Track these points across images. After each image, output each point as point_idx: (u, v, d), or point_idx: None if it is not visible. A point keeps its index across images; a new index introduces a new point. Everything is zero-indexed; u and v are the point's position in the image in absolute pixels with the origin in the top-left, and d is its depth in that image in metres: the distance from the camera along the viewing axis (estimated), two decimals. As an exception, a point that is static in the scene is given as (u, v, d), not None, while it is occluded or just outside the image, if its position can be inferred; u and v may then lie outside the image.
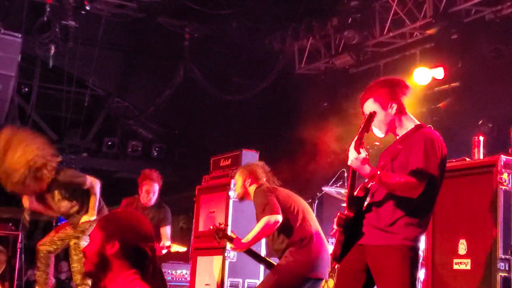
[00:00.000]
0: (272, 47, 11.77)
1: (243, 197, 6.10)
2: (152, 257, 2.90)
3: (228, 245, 5.86)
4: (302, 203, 5.78)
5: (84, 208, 6.94)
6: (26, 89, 13.22)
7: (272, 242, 5.73)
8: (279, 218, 5.51)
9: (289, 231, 5.58)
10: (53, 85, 13.67)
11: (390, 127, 4.12)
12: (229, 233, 6.03)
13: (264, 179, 5.95)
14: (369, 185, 3.99)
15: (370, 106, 4.11)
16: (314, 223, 5.75)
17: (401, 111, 4.11)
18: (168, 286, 11.18)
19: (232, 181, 7.80)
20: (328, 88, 11.25)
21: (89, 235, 2.94)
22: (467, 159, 5.33)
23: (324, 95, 11.35)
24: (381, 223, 3.93)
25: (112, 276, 2.86)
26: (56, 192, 6.87)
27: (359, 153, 3.81)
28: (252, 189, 5.93)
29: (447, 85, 9.38)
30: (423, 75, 9.23)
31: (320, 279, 5.65)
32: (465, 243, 4.95)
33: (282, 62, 11.92)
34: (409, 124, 4.12)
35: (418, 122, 4.16)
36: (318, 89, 11.45)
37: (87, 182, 6.88)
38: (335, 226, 4.14)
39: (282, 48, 11.67)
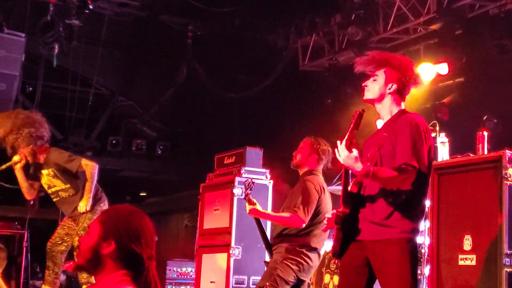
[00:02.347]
0: (276, 44, 11.76)
1: (298, 166, 5.87)
2: (147, 264, 2.79)
3: (248, 208, 5.79)
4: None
5: (79, 193, 6.81)
6: (30, 89, 13.23)
7: (278, 227, 5.73)
8: (303, 225, 5.49)
9: (300, 233, 5.57)
10: (57, 84, 13.69)
11: (377, 100, 4.15)
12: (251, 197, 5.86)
13: (321, 167, 5.83)
14: (362, 180, 4.00)
15: (378, 68, 4.19)
16: (323, 242, 5.74)
17: (398, 95, 4.13)
18: (174, 283, 11.21)
19: (237, 178, 7.81)
20: (332, 85, 11.22)
21: (88, 226, 2.87)
22: (472, 154, 5.31)
23: (328, 92, 11.33)
24: (377, 217, 3.94)
25: (102, 273, 2.78)
26: (50, 169, 6.80)
27: (350, 151, 3.81)
28: (308, 167, 5.79)
29: (451, 81, 9.35)
30: (427, 71, 9.20)
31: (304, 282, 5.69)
32: (470, 238, 4.94)
33: (285, 59, 11.91)
34: (394, 109, 4.13)
35: (403, 108, 4.17)
36: (321, 86, 11.43)
37: (80, 167, 6.74)
38: (325, 221, 4.17)
39: (285, 45, 11.65)
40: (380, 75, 4.16)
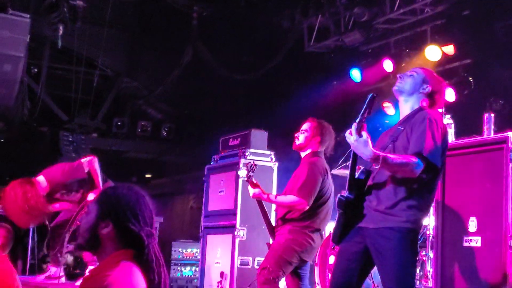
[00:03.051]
0: (281, 25, 11.68)
1: (301, 148, 5.80)
2: (148, 244, 2.79)
3: (250, 191, 5.75)
4: (332, 197, 5.69)
5: (90, 188, 6.90)
6: (36, 70, 13.23)
7: (281, 210, 5.72)
8: (306, 207, 5.46)
9: (303, 216, 5.55)
10: (62, 65, 13.68)
11: (408, 89, 4.12)
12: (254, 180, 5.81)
13: (323, 149, 5.78)
14: (371, 168, 3.96)
15: (416, 70, 4.18)
16: (326, 223, 5.73)
17: (427, 100, 4.11)
18: (179, 264, 11.25)
19: (242, 160, 7.80)
20: (337, 66, 11.17)
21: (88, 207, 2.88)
22: (477, 136, 5.29)
23: (334, 74, 11.28)
24: (382, 205, 3.91)
25: (103, 253, 2.79)
26: (61, 191, 6.88)
27: (360, 135, 3.77)
28: (310, 149, 5.73)
29: (458, 62, 9.29)
30: (434, 52, 9.16)
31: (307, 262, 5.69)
32: (475, 220, 4.92)
33: (291, 40, 11.84)
34: (415, 105, 4.12)
35: (424, 105, 4.14)
36: (327, 68, 11.38)
37: (84, 168, 6.83)
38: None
39: (291, 26, 11.58)
40: (419, 73, 4.15)
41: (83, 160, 6.94)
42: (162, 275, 2.82)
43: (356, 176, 4.00)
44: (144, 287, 2.74)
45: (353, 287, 4.02)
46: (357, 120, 3.80)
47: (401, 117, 4.14)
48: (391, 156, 3.84)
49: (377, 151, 3.78)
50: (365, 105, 3.84)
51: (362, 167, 4.02)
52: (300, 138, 5.75)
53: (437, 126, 3.90)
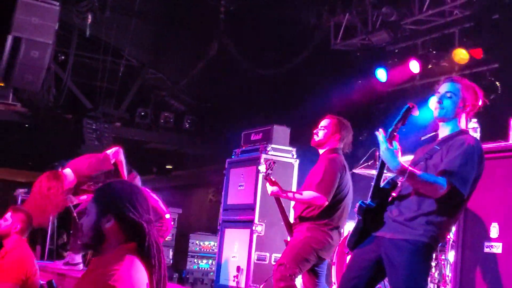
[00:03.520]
0: (308, 22, 11.65)
1: (320, 145, 5.75)
2: (149, 231, 2.88)
3: (268, 188, 5.70)
4: (350, 195, 5.65)
5: (116, 177, 6.95)
6: (63, 57, 13.32)
7: (300, 207, 5.67)
8: (326, 203, 5.39)
9: (322, 213, 5.51)
10: (89, 54, 13.76)
11: (448, 117, 4.02)
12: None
13: (341, 146, 5.73)
14: (397, 179, 3.93)
15: (455, 89, 4.02)
16: (345, 221, 5.69)
17: (465, 115, 4.04)
18: (196, 256, 11.28)
19: (263, 155, 7.80)
20: (363, 66, 11.12)
21: (86, 208, 2.98)
22: (503, 142, 5.23)
23: (359, 72, 11.23)
24: (402, 216, 3.88)
25: (107, 247, 2.87)
26: (88, 183, 6.95)
27: (391, 145, 3.73)
28: (329, 146, 5.68)
29: (485, 66, 9.21)
30: (462, 55, 9.08)
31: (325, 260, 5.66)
32: (497, 226, 4.87)
33: (317, 37, 11.80)
34: (455, 127, 4.03)
35: (464, 128, 4.07)
36: (352, 66, 11.33)
37: (110, 159, 6.86)
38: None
39: (318, 23, 11.54)
40: (457, 94, 4.01)
41: (108, 151, 6.96)
42: (162, 261, 2.92)
43: (381, 185, 3.97)
44: (146, 279, 2.82)
45: None
46: (390, 130, 3.76)
47: (440, 137, 4.06)
48: (418, 172, 3.80)
49: (404, 165, 3.74)
50: (400, 116, 3.79)
51: (388, 177, 3.99)
52: (320, 134, 5.71)
53: (473, 154, 3.84)
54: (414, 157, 4.11)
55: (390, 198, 4.00)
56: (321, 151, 5.74)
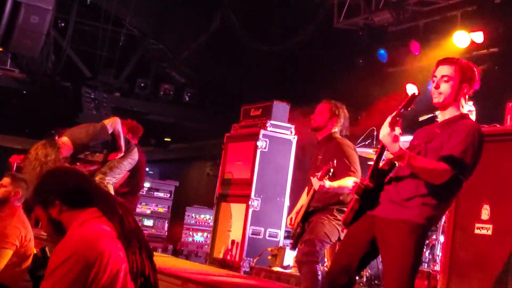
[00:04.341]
0: (312, -1, 11.62)
1: (319, 129, 5.75)
2: (98, 194, 3.02)
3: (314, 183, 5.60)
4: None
5: (113, 149, 6.98)
6: (63, 24, 13.27)
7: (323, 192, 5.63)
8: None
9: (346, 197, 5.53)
10: (90, 21, 13.70)
11: (448, 102, 3.98)
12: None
13: (340, 129, 5.76)
14: (396, 162, 3.96)
15: (450, 72, 3.97)
16: None
17: (465, 97, 4.02)
18: (191, 229, 11.37)
19: (262, 131, 7.84)
20: (364, 45, 11.11)
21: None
22: (498, 125, 5.27)
23: (360, 52, 11.23)
24: (398, 197, 3.89)
25: (70, 226, 2.97)
26: (85, 153, 6.95)
27: (392, 130, 3.76)
28: (328, 130, 5.70)
29: (486, 50, 9.21)
30: (463, 38, 9.09)
31: None
32: (488, 208, 4.93)
33: (320, 15, 11.77)
34: (456, 111, 4.00)
35: (465, 112, 4.05)
36: (354, 45, 11.33)
37: (108, 129, 6.86)
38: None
39: (321, 0, 11.51)
40: (454, 78, 3.96)
41: (106, 121, 6.96)
42: (130, 225, 2.99)
43: (380, 166, 4.01)
44: (108, 237, 2.88)
45: (352, 271, 4.02)
46: (393, 115, 3.78)
47: (440, 120, 4.05)
48: (418, 158, 3.82)
49: (404, 149, 3.78)
50: (405, 102, 3.80)
51: (387, 158, 4.03)
52: (318, 119, 5.77)
53: (475, 141, 3.83)
54: (413, 139, 4.12)
55: (387, 178, 4.04)
56: (320, 135, 5.78)
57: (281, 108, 8.25)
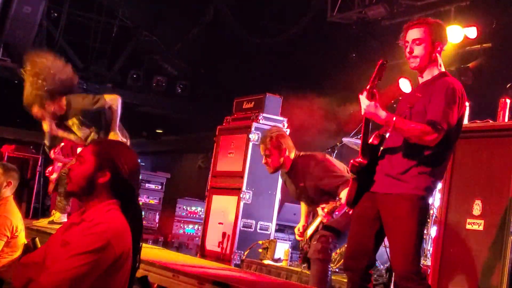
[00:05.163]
0: (306, -9, 11.59)
1: (279, 168, 5.79)
2: (134, 193, 3.03)
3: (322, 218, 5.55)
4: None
5: (103, 127, 6.78)
6: (55, 15, 13.20)
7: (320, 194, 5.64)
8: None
9: (331, 194, 5.51)
10: (83, 12, 13.64)
11: (425, 63, 4.02)
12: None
13: (293, 154, 5.73)
14: (384, 133, 3.98)
15: (419, 34, 4.01)
16: None
17: (439, 54, 4.05)
18: (182, 221, 11.36)
19: (254, 124, 7.83)
20: (358, 39, 11.11)
21: (79, 154, 3.07)
22: (491, 121, 5.27)
23: (354, 46, 11.22)
24: (394, 170, 3.93)
25: (93, 201, 2.97)
26: (74, 119, 6.73)
27: (371, 100, 3.79)
28: (288, 160, 5.68)
29: (479, 45, 9.22)
30: (456, 33, 9.08)
31: None
32: (480, 204, 4.93)
33: (314, 8, 11.76)
34: (436, 70, 4.05)
35: (443, 70, 4.09)
36: (347, 39, 11.32)
37: (106, 104, 6.67)
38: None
39: (315, -7, 11.50)
40: (426, 39, 4.00)
41: (106, 95, 6.81)
42: (142, 224, 3.09)
43: (370, 141, 4.01)
44: (130, 234, 2.94)
45: (370, 252, 4.04)
46: (368, 87, 3.83)
47: (420, 83, 4.11)
48: (405, 121, 3.85)
49: (390, 114, 3.79)
50: (375, 72, 3.85)
51: (376, 132, 4.04)
52: (270, 162, 5.75)
53: (455, 95, 3.87)
54: (397, 108, 4.15)
55: (380, 153, 4.05)
56: (286, 169, 5.74)
57: (273, 101, 8.24)
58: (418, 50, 4.01)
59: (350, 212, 4.20)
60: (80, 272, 2.72)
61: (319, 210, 5.33)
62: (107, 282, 2.81)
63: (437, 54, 4.04)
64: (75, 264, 2.73)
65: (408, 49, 4.04)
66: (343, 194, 5.21)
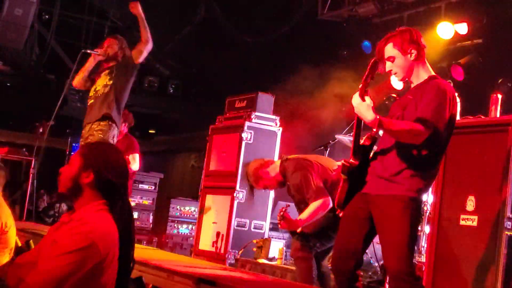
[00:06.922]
0: (296, -11, 11.60)
1: (272, 188, 5.91)
2: (122, 194, 3.05)
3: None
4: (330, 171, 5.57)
5: (113, 90, 6.95)
6: (47, 16, 13.19)
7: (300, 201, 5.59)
8: (329, 201, 5.23)
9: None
10: (74, 13, 13.62)
11: (408, 73, 4.08)
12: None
13: (274, 166, 5.70)
14: (376, 135, 3.99)
15: (390, 51, 4.08)
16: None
17: (419, 58, 4.07)
18: (176, 221, 11.35)
19: (247, 123, 7.83)
20: (349, 37, 11.12)
21: (70, 158, 3.15)
22: (482, 117, 5.29)
23: (344, 44, 11.23)
24: (386, 172, 3.93)
25: (81, 202, 3.02)
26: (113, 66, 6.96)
27: (363, 100, 3.80)
28: (276, 179, 5.65)
29: (470, 41, 9.25)
30: (447, 30, 9.11)
31: None
32: (473, 199, 4.95)
33: (305, 6, 11.76)
34: (424, 73, 4.09)
35: (433, 73, 4.12)
36: (338, 37, 11.33)
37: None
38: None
39: (306, -9, 11.51)
40: (397, 52, 4.05)
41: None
42: (132, 224, 3.12)
43: (362, 142, 4.02)
44: (117, 236, 2.97)
45: (358, 253, 4.05)
46: (360, 85, 3.84)
47: (411, 87, 4.13)
48: (393, 121, 3.87)
49: (379, 116, 3.80)
50: (367, 71, 3.86)
51: (368, 134, 4.04)
52: (268, 188, 5.86)
53: (445, 96, 3.89)
54: (390, 111, 4.17)
55: (372, 154, 4.06)
56: (277, 186, 5.79)
57: (265, 99, 8.23)
58: (394, 66, 4.08)
59: (341, 214, 4.18)
60: (64, 271, 2.76)
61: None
62: (93, 282, 2.84)
63: (417, 58, 4.06)
64: (59, 264, 2.77)
65: (387, 68, 4.11)
66: (303, 215, 5.23)
